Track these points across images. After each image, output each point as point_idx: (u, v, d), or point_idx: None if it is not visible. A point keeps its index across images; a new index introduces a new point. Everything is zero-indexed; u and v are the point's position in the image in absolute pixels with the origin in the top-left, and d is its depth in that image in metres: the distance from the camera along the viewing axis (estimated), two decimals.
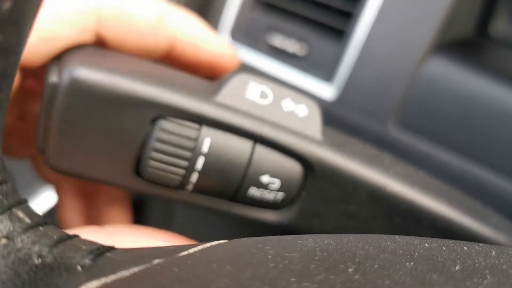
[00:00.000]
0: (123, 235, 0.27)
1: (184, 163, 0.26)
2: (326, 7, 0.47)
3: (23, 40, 0.16)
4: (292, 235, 0.19)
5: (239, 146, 0.27)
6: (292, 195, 0.28)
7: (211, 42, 0.31)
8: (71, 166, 0.27)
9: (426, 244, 0.19)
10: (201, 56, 0.31)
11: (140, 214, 0.65)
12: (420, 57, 0.41)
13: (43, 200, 0.51)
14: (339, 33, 0.46)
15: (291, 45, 0.48)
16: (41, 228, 0.17)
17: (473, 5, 0.45)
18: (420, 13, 0.42)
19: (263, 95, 0.28)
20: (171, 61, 0.32)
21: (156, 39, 0.29)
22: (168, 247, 0.18)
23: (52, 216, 0.52)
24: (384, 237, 0.20)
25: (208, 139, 0.26)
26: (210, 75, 0.32)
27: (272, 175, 0.27)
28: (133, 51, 0.29)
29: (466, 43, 0.44)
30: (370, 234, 0.20)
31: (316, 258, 0.17)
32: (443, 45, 0.42)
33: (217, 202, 0.29)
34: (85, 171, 0.27)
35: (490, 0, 0.45)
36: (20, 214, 0.17)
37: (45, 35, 0.26)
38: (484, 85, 0.39)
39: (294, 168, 0.28)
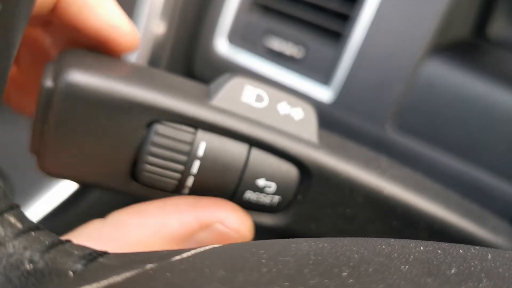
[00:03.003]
0: (126, 226, 0.26)
1: (180, 167, 0.26)
2: (323, 10, 0.47)
3: (14, 45, 0.16)
4: (287, 239, 0.19)
5: (235, 150, 0.27)
6: (288, 198, 0.28)
7: (103, 8, 0.27)
8: (66, 170, 0.27)
9: (421, 248, 0.19)
10: (88, 21, 0.27)
11: None
12: (418, 59, 0.41)
13: (39, 206, 0.51)
14: (337, 36, 0.46)
15: (289, 48, 0.48)
16: (33, 233, 0.17)
17: (471, 6, 0.45)
18: (418, 15, 0.42)
19: (259, 99, 0.28)
20: (57, 21, 0.28)
21: None
22: (161, 251, 0.18)
23: (48, 222, 0.52)
24: (379, 240, 0.19)
25: (204, 143, 0.26)
26: (100, 48, 0.29)
27: (268, 179, 0.27)
28: None
29: (463, 44, 0.44)
30: (365, 238, 0.20)
31: (310, 262, 0.17)
32: (440, 47, 0.42)
33: None
34: (81, 175, 0.27)
35: (488, 1, 0.45)
36: (12, 219, 0.17)
37: None
38: (482, 87, 0.39)
39: (290, 171, 0.28)
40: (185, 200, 0.26)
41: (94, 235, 0.25)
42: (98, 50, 0.28)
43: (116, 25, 0.28)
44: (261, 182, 0.27)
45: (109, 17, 0.28)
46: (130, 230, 0.25)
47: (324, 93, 0.46)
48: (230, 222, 0.26)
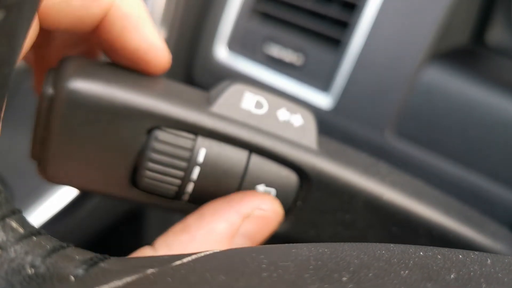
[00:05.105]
0: (177, 245, 0.26)
1: (180, 173, 0.26)
2: (322, 17, 0.48)
3: (16, 52, 0.16)
4: (287, 244, 0.19)
5: (235, 156, 0.27)
6: (288, 204, 0.28)
7: (144, 29, 0.28)
8: (67, 177, 0.27)
9: (421, 253, 0.19)
10: (129, 42, 0.28)
11: (140, 223, 0.65)
12: (417, 66, 0.42)
13: (39, 212, 0.51)
14: (336, 43, 0.46)
15: (288, 55, 0.48)
16: (34, 238, 0.17)
17: (469, 13, 0.45)
18: (417, 22, 0.42)
19: (258, 105, 0.28)
20: (96, 40, 0.29)
21: (89, 8, 0.26)
22: (162, 256, 0.18)
23: (48, 228, 0.52)
24: (379, 245, 0.19)
25: (204, 149, 0.26)
26: (133, 66, 0.29)
27: (268, 185, 0.27)
28: (61, 19, 0.26)
29: (462, 51, 0.45)
30: (365, 243, 0.20)
31: (310, 267, 0.17)
32: (439, 53, 0.42)
33: None
34: (81, 182, 0.27)
35: (486, 8, 0.46)
36: (14, 224, 0.17)
37: None
38: (481, 93, 0.39)
39: (289, 177, 0.28)
40: (219, 202, 0.27)
41: None
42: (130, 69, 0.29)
43: (155, 47, 0.28)
44: (260, 188, 0.27)
45: (149, 38, 0.28)
46: (182, 248, 0.26)
47: (323, 100, 0.46)
48: (265, 205, 0.27)
